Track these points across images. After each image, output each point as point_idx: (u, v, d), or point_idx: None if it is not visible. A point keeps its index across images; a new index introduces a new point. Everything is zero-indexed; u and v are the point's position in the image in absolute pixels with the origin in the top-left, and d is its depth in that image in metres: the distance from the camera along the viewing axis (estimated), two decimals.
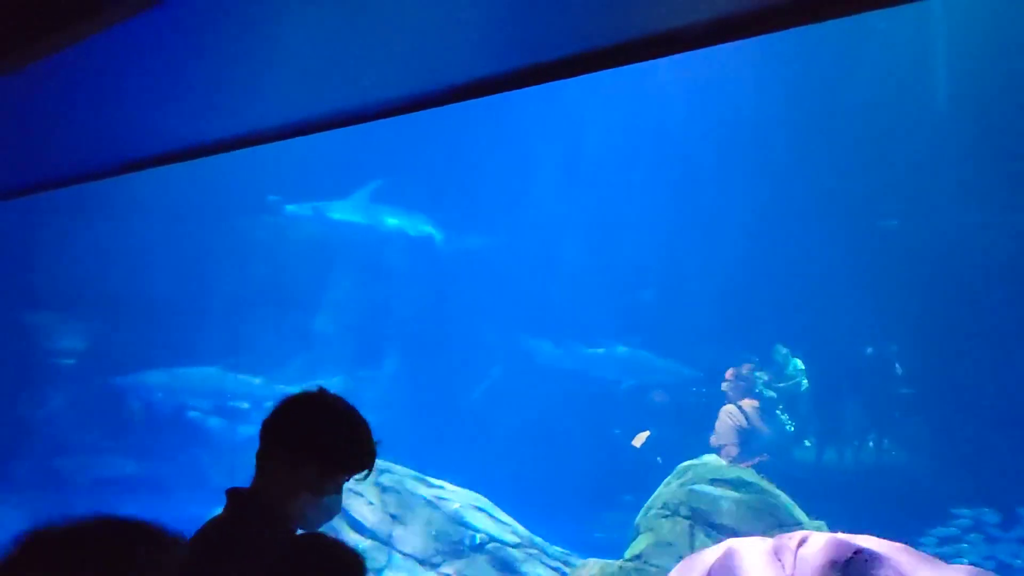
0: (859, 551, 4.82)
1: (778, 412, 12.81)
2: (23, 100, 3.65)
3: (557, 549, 10.57)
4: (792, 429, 13.27)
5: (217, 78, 3.62)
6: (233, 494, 2.59)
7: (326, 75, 3.59)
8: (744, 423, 11.86)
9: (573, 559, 10.44)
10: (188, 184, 15.82)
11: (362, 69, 3.47)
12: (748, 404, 12.04)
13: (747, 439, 11.82)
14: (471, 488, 10.96)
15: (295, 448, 2.53)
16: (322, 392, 2.60)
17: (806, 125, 14.37)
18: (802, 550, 4.99)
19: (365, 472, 2.60)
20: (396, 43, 3.15)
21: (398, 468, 10.75)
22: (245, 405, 15.06)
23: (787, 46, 13.50)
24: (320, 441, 2.54)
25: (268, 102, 4.11)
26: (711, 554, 5.42)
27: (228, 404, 15.50)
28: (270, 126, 4.28)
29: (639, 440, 13.93)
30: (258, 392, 14.57)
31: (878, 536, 5.19)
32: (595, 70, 2.99)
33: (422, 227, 17.19)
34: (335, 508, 2.61)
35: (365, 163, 16.42)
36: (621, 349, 15.35)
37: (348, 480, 2.61)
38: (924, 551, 5.34)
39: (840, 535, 5.05)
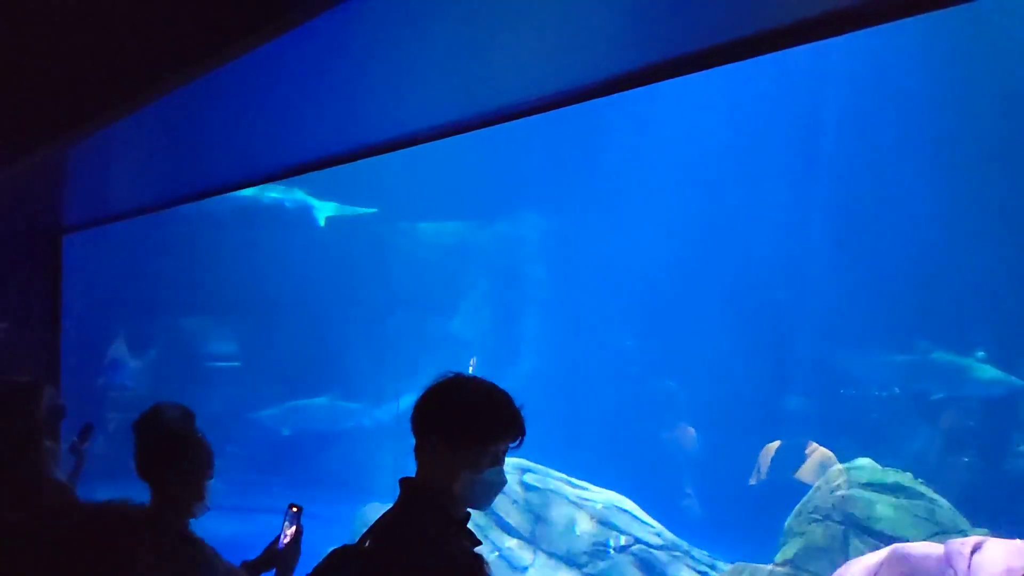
0: None
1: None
2: (186, 113, 3.82)
3: (703, 552, 10.38)
4: None
5: (366, 85, 3.71)
6: (404, 483, 2.65)
7: (469, 79, 3.63)
8: None
9: (719, 563, 10.24)
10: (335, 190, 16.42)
11: (506, 71, 3.50)
12: None
13: None
14: (613, 489, 10.89)
15: (444, 431, 2.61)
16: (458, 375, 2.68)
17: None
18: (977, 556, 4.73)
19: (518, 439, 2.63)
20: (540, 45, 3.18)
21: (541, 468, 10.79)
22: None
23: (953, 25, 12.86)
24: (465, 417, 2.61)
25: (416, 106, 4.19)
26: (875, 557, 5.20)
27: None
28: (419, 129, 4.36)
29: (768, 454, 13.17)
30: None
31: None
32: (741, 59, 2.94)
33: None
34: (498, 481, 2.65)
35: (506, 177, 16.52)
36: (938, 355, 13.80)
37: (503, 450, 2.64)
38: None
39: (1019, 541, 4.76)
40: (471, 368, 12.81)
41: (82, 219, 6.80)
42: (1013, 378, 13.08)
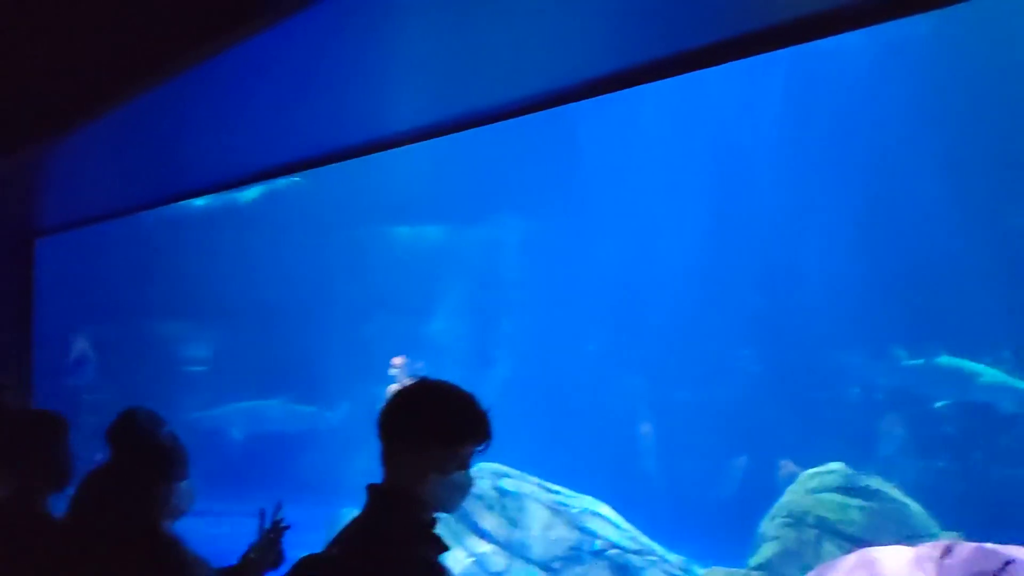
0: (1010, 561, 4.59)
1: None
2: (161, 114, 3.81)
3: (678, 557, 10.42)
4: None
5: (346, 86, 3.71)
6: (372, 489, 2.66)
7: (449, 80, 3.63)
8: None
9: (694, 567, 10.29)
10: (312, 194, 16.37)
11: (489, 71, 3.51)
12: None
13: None
14: (589, 494, 10.90)
15: (410, 434, 2.62)
16: (423, 379, 2.70)
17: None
18: (947, 560, 4.78)
19: (484, 443, 2.66)
20: (522, 45, 3.18)
21: (517, 473, 10.79)
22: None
23: (933, 25, 12.88)
24: (432, 420, 2.63)
25: (397, 107, 4.19)
26: (846, 563, 5.25)
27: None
28: (400, 130, 4.37)
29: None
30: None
31: None
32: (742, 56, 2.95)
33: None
34: (465, 484, 2.67)
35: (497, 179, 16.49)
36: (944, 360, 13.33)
37: (470, 453, 2.66)
38: None
39: (989, 545, 4.82)
40: (393, 369, 12.74)
41: (55, 222, 6.76)
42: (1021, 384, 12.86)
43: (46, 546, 3.36)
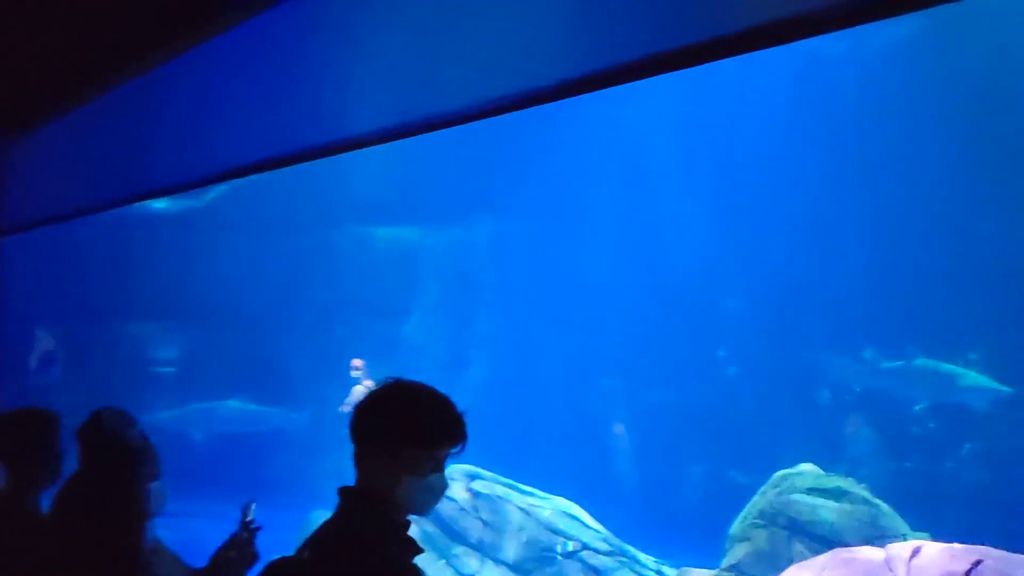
0: (979, 562, 4.61)
1: None
2: (126, 111, 3.76)
3: (649, 558, 10.44)
4: None
5: (315, 84, 3.67)
6: (344, 492, 2.62)
7: (420, 80, 3.61)
8: None
9: (666, 568, 10.31)
10: (283, 195, 16.27)
11: (457, 72, 3.48)
12: None
13: None
14: (562, 495, 10.91)
15: (384, 436, 2.59)
16: (398, 380, 2.66)
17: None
18: (916, 560, 4.81)
19: (459, 445, 2.63)
20: (492, 46, 3.16)
21: (490, 475, 10.78)
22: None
23: (910, 32, 12.91)
24: (406, 422, 2.59)
25: (369, 105, 4.15)
26: (818, 563, 5.27)
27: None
28: (369, 130, 4.33)
29: None
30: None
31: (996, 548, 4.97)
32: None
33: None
34: (440, 487, 2.64)
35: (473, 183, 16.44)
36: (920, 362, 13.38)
37: (445, 455, 2.63)
38: None
39: (957, 545, 4.85)
40: (355, 371, 12.74)
41: (20, 221, 6.66)
42: (1002, 386, 12.89)
43: (37, 544, 3.32)
